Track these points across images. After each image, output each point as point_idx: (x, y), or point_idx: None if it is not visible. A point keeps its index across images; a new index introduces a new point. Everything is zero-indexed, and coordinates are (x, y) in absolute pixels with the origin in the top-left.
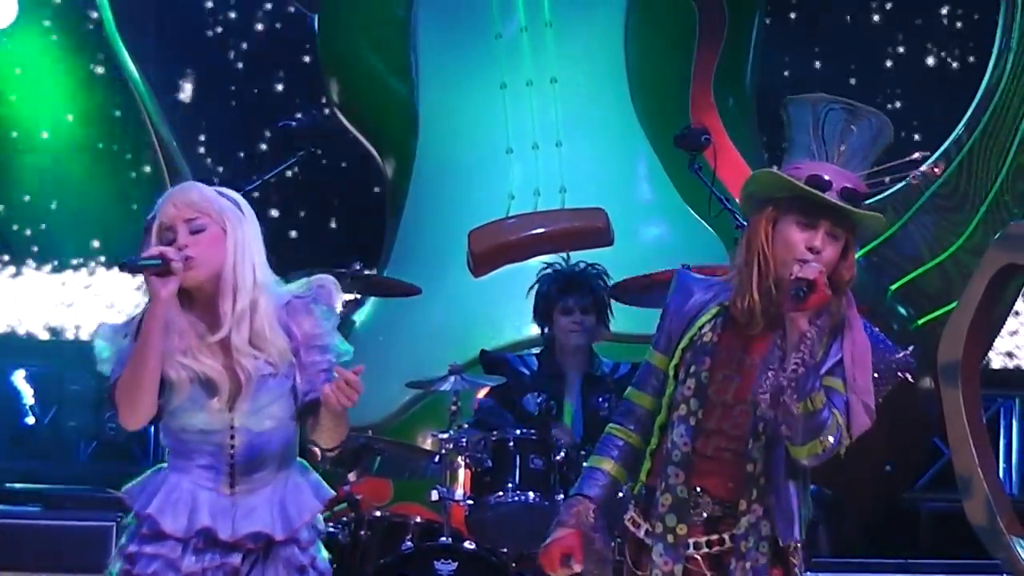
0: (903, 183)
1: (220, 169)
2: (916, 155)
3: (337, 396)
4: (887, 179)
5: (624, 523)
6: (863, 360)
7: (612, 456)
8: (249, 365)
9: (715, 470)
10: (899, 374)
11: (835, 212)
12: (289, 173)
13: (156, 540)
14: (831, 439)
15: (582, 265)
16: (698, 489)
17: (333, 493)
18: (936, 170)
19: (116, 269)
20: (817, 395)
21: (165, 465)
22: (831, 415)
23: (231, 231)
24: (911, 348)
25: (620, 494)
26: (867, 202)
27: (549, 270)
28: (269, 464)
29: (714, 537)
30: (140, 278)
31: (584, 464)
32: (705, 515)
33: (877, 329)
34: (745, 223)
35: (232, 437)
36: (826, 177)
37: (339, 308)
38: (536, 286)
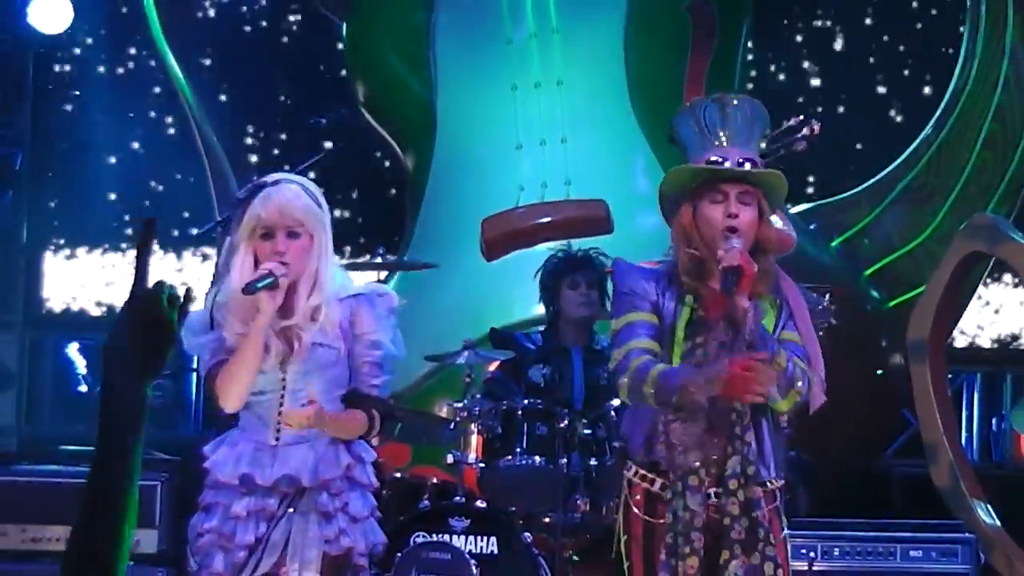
0: (794, 148)
1: (254, 159)
2: (792, 121)
3: (289, 420)
4: (780, 148)
5: (631, 479)
6: (803, 312)
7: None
8: (303, 334)
9: (715, 423)
10: (822, 322)
11: (738, 180)
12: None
13: (217, 488)
14: (801, 384)
15: (588, 250)
16: (708, 446)
17: (371, 454)
18: (815, 128)
19: (161, 252)
20: (778, 355)
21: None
22: (795, 365)
23: (317, 238)
24: (828, 297)
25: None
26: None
27: (558, 254)
28: (311, 430)
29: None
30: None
31: (653, 373)
32: (709, 465)
33: (801, 285)
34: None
35: (282, 395)
36: (719, 157)
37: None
38: (543, 268)
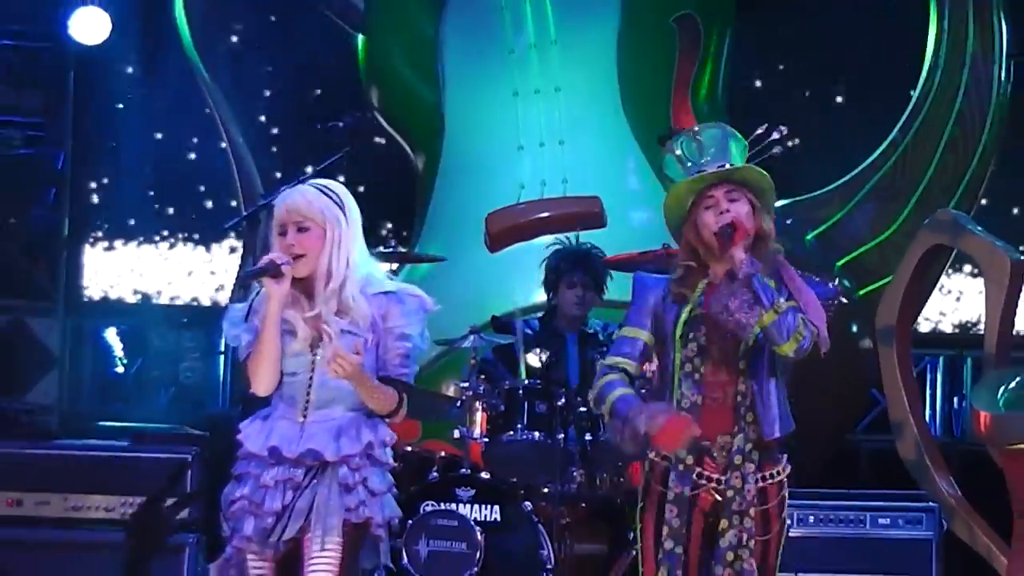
0: (770, 151)
1: (279, 160)
2: (760, 130)
3: (332, 365)
4: (756, 156)
5: (651, 457)
6: (806, 295)
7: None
8: (332, 323)
9: (715, 410)
10: (832, 302)
11: (722, 180)
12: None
13: (248, 460)
14: (805, 332)
15: (587, 245)
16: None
17: (392, 437)
18: (783, 131)
19: (191, 244)
20: (779, 301)
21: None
22: (796, 317)
23: (330, 230)
24: (836, 280)
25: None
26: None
27: (559, 246)
28: (338, 404)
29: (720, 471)
30: (199, 254)
31: (605, 401)
32: (717, 448)
33: (809, 274)
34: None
35: (311, 377)
36: (703, 171)
37: (432, 308)
38: (547, 260)
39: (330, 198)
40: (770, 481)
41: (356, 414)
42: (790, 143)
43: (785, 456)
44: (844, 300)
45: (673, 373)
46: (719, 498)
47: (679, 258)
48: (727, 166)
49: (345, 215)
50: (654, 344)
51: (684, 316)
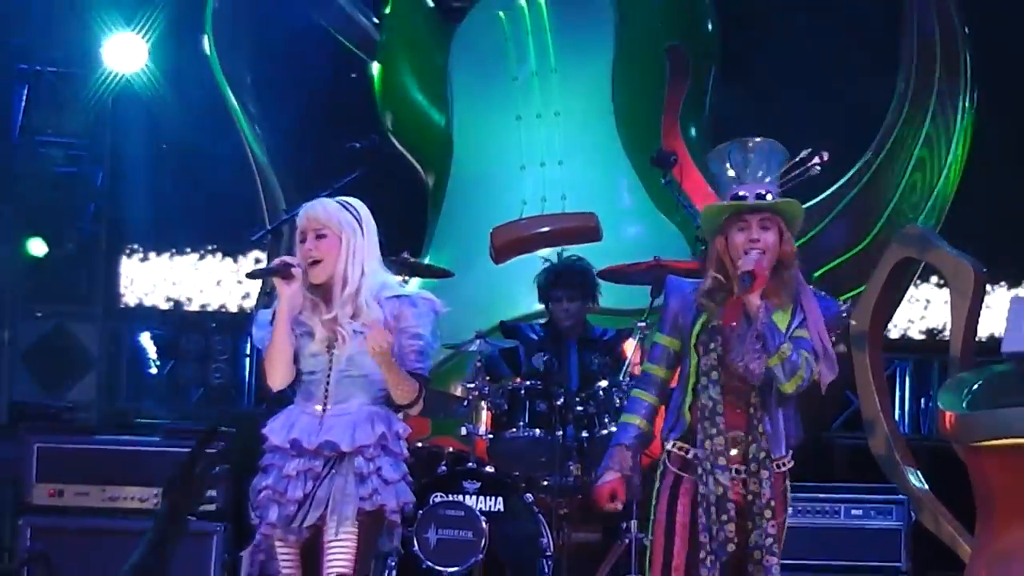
0: (808, 174)
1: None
2: (804, 153)
3: (370, 341)
4: (795, 175)
5: (670, 449)
6: (816, 316)
7: (641, 414)
8: (346, 325)
9: (735, 411)
10: (841, 318)
11: (758, 209)
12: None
13: (272, 452)
14: (804, 373)
15: (573, 259)
16: (729, 433)
17: (406, 428)
18: (824, 157)
19: (220, 256)
20: (783, 347)
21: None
22: (799, 355)
23: (346, 239)
24: (848, 304)
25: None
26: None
27: (547, 264)
28: (354, 399)
29: (740, 462)
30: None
31: (619, 420)
32: (733, 446)
33: (821, 292)
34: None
35: (328, 375)
36: (742, 192)
37: (442, 311)
38: (536, 278)
39: (348, 210)
40: (777, 471)
41: (371, 408)
42: (820, 164)
43: (791, 452)
44: (850, 320)
45: (689, 378)
46: (742, 491)
47: (709, 267)
48: (764, 192)
49: (361, 226)
50: (678, 350)
51: (697, 328)
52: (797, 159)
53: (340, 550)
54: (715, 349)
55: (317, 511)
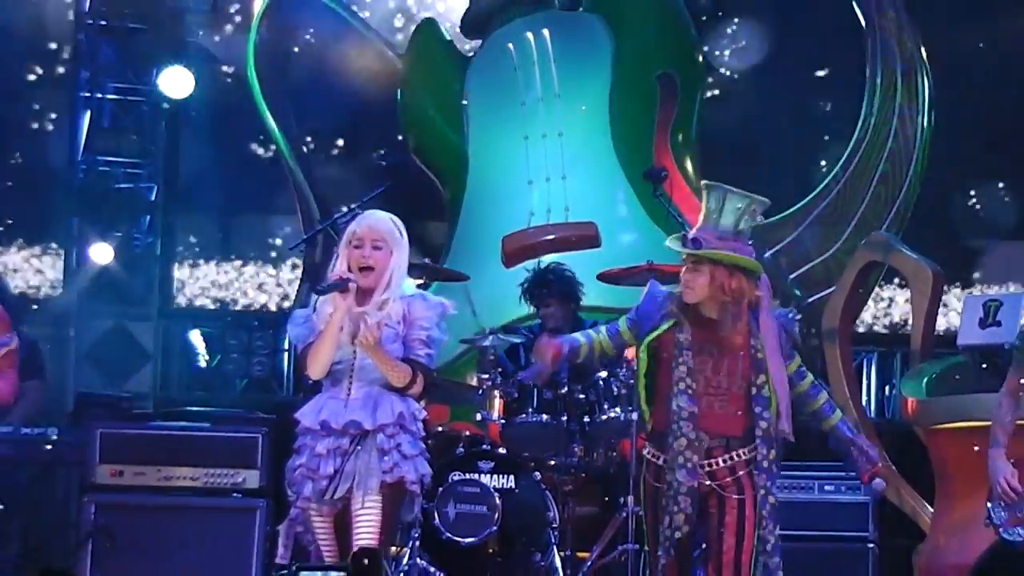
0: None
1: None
2: (754, 205)
3: (359, 336)
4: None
5: (644, 455)
6: (773, 345)
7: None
8: (369, 318)
9: (708, 418)
10: (798, 324)
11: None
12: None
13: (304, 434)
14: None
15: (553, 266)
16: (700, 432)
17: (420, 409)
18: (767, 204)
19: (260, 262)
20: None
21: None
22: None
23: (394, 252)
24: (793, 313)
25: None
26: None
27: (529, 273)
28: (375, 385)
29: (714, 460)
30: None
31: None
32: (705, 447)
33: (778, 310)
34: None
35: (353, 364)
36: (689, 235)
37: (450, 311)
38: (520, 288)
39: (396, 227)
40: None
41: (390, 392)
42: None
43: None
44: (798, 316)
45: (640, 381)
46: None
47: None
48: (699, 239)
49: (401, 239)
50: (629, 343)
51: (652, 336)
52: (742, 206)
53: (366, 520)
54: (685, 361)
55: (346, 484)
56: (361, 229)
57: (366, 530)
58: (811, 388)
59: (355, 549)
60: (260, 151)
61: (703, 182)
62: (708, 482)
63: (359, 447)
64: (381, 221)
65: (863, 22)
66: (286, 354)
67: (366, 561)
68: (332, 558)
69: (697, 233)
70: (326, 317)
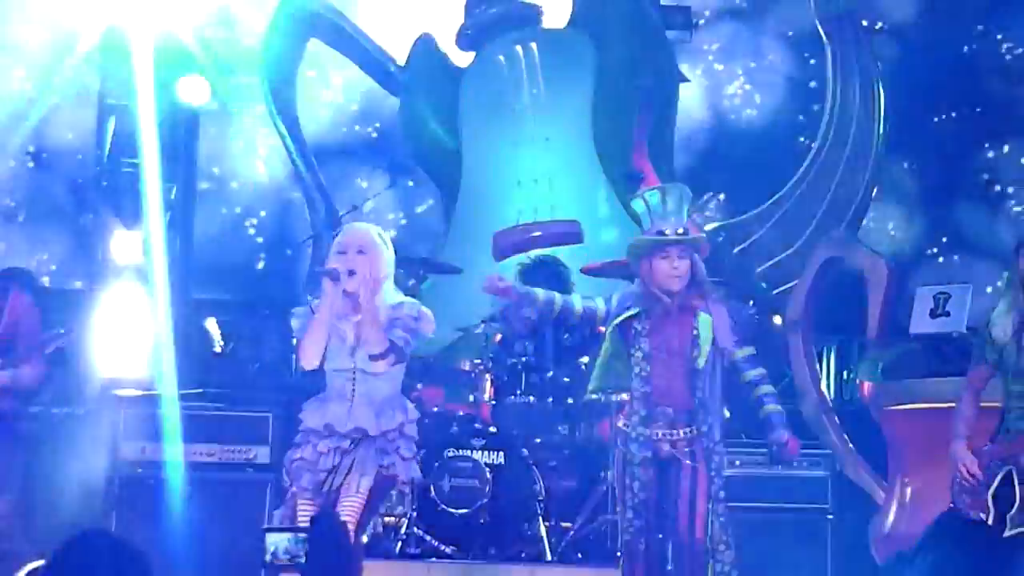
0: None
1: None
2: (706, 197)
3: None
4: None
5: (618, 426)
6: (722, 320)
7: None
8: (368, 328)
9: (664, 395)
10: (752, 319)
11: (676, 243)
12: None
13: (307, 432)
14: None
15: (543, 258)
16: (656, 408)
17: (416, 414)
18: (720, 198)
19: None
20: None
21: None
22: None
23: (378, 260)
24: (751, 303)
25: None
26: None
27: (520, 265)
28: (375, 392)
29: (672, 431)
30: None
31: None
32: (661, 421)
33: (731, 302)
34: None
35: (354, 372)
36: (665, 229)
37: (426, 323)
38: (515, 276)
39: (379, 237)
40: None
41: (390, 397)
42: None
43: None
44: (755, 313)
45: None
46: (668, 448)
47: (644, 282)
48: (683, 230)
49: (385, 251)
50: (599, 320)
51: (617, 320)
52: (700, 201)
53: (351, 502)
54: (641, 347)
55: (341, 477)
56: (346, 239)
57: (348, 506)
58: (756, 378)
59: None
60: (277, 164)
61: (637, 194)
62: (669, 448)
63: (359, 447)
64: (364, 232)
65: (823, 35)
66: (294, 340)
67: (327, 523)
68: None
69: (679, 224)
70: (321, 310)
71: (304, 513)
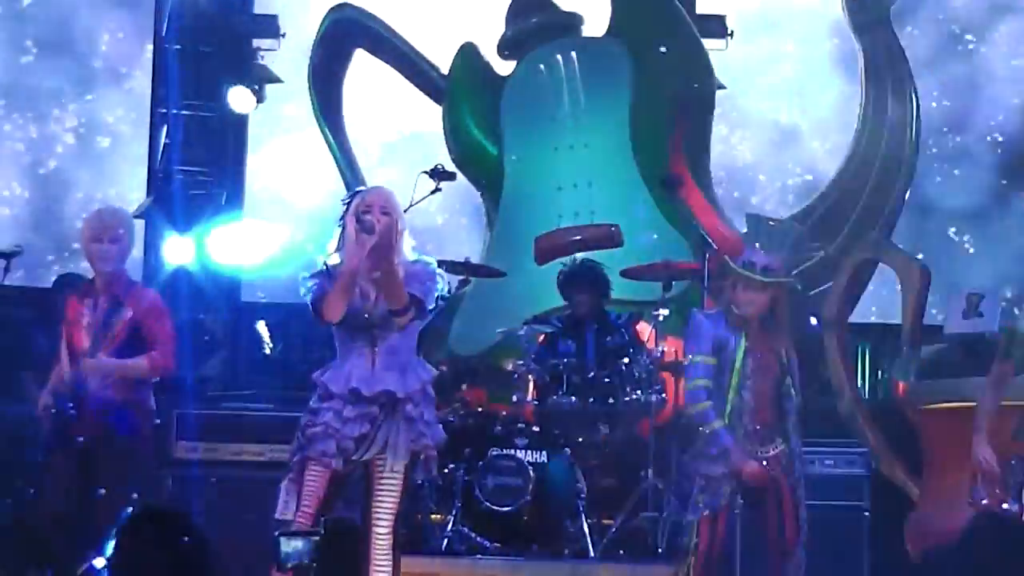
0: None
1: None
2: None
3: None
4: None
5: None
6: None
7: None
8: (388, 287)
9: (761, 410)
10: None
11: (748, 279)
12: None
13: (328, 399)
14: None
15: (584, 262)
16: (757, 425)
17: (434, 371)
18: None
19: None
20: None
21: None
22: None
23: (397, 219)
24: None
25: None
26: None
27: (563, 267)
28: (398, 352)
29: (768, 447)
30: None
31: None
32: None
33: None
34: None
35: (373, 331)
36: (754, 260)
37: (440, 282)
38: (556, 280)
39: (398, 202)
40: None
41: (409, 355)
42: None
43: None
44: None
45: (729, 385)
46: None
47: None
48: (771, 266)
49: (402, 213)
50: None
51: (741, 352)
52: (791, 237)
53: (391, 485)
54: (745, 367)
55: (373, 450)
56: (370, 196)
57: (390, 494)
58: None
59: (332, 517)
60: (315, 160)
61: (747, 213)
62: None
63: (389, 417)
64: (387, 193)
65: (856, 41)
66: (308, 297)
67: (341, 530)
68: (308, 508)
69: (768, 261)
70: (347, 262)
71: (312, 480)
